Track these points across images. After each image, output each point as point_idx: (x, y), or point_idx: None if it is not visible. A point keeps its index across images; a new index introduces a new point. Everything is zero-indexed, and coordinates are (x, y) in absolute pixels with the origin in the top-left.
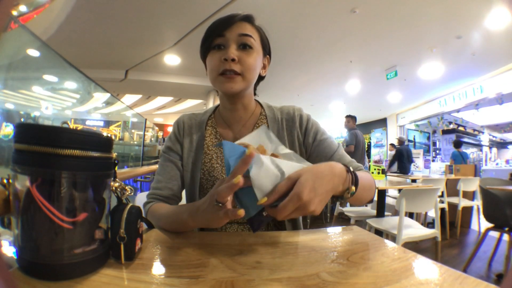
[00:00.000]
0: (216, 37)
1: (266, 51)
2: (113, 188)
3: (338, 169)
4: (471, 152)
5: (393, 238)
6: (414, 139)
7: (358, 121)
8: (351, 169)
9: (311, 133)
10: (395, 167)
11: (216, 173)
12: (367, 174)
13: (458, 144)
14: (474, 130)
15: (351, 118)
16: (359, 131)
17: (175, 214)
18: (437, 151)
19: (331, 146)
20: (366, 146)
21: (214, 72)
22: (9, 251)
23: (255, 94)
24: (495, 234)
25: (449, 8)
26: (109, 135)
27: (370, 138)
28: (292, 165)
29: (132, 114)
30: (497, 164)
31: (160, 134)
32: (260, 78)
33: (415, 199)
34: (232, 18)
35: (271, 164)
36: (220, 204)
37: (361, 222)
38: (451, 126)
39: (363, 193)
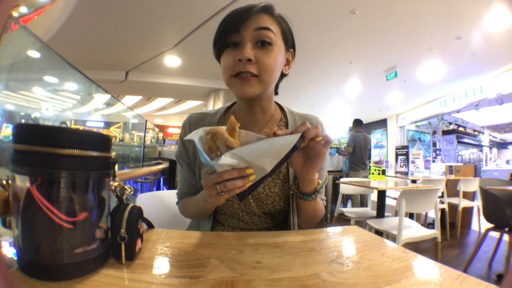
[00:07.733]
0: (231, 34)
1: (289, 44)
2: (113, 187)
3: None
4: (471, 152)
5: (393, 239)
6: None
7: None
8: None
9: None
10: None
11: None
12: (322, 206)
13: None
14: (474, 130)
15: (355, 122)
16: (362, 134)
17: (196, 202)
18: (437, 152)
19: (324, 161)
20: None
21: (227, 73)
22: (10, 251)
23: (276, 93)
24: (495, 234)
25: (449, 8)
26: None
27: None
28: (252, 149)
29: (133, 115)
30: (497, 164)
31: (161, 135)
32: (283, 75)
33: (415, 199)
34: (249, 10)
35: (232, 159)
36: (223, 192)
37: (361, 223)
38: (451, 127)
39: (313, 209)
